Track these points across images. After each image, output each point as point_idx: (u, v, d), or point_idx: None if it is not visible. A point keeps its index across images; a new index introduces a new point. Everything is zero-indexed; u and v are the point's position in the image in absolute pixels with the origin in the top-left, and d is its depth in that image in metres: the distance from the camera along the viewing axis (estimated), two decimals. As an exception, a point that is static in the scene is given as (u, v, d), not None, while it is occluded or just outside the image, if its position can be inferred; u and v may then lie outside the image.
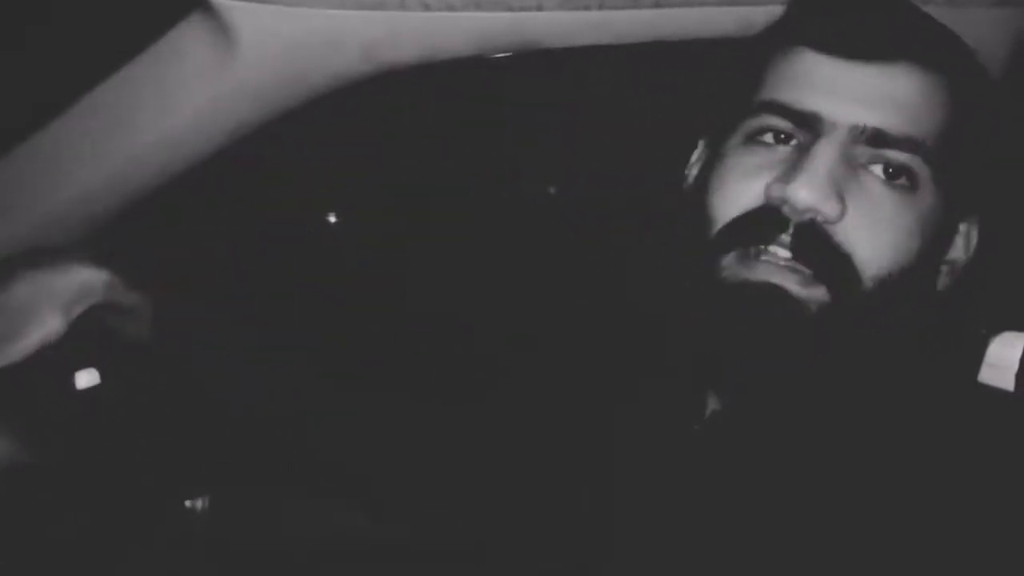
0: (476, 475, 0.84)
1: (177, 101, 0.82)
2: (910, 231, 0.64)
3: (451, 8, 0.78)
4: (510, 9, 0.79)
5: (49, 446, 0.75)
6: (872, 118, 0.64)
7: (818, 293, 0.63)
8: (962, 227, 0.70)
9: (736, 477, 0.66)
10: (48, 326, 0.69)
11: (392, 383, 0.90)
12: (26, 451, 0.73)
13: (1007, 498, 0.59)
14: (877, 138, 0.64)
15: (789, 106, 0.65)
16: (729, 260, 0.65)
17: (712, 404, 0.72)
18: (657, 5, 0.81)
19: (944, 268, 0.70)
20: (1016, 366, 0.84)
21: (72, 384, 0.76)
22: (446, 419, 0.88)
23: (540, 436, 0.81)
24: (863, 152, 0.64)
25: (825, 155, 0.63)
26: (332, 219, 1.54)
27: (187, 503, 1.07)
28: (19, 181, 0.85)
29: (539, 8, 0.79)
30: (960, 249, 0.71)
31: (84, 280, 0.70)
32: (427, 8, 0.77)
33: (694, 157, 0.76)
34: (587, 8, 0.80)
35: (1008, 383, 0.85)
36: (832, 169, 0.63)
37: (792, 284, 0.63)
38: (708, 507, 0.66)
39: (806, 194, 0.62)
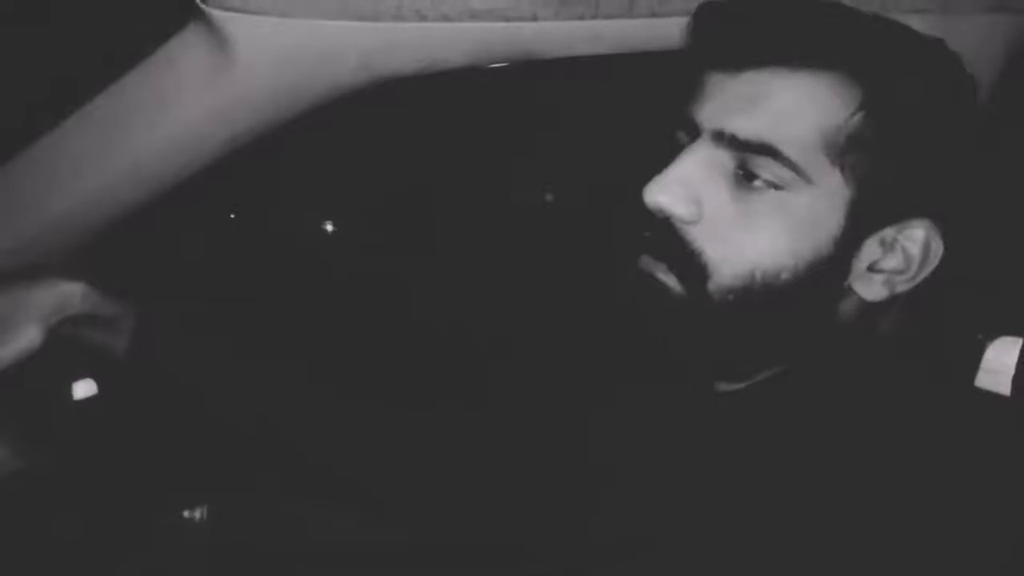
0: (475, 475, 0.84)
1: (174, 112, 0.82)
2: (774, 233, 0.65)
3: (447, 19, 0.78)
4: (506, 19, 0.79)
5: (45, 454, 0.75)
6: (730, 124, 0.66)
7: (676, 282, 0.67)
8: (887, 232, 0.67)
9: (731, 482, 0.67)
10: (25, 338, 0.69)
11: (389, 387, 0.90)
12: (22, 458, 0.73)
13: (1004, 503, 0.60)
14: (733, 142, 0.66)
15: (684, 117, 0.69)
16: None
17: (706, 409, 0.72)
18: (652, 15, 0.81)
19: (878, 276, 0.67)
20: (1013, 371, 0.85)
21: (68, 394, 0.76)
22: (445, 421, 0.88)
23: (540, 437, 0.81)
24: (727, 157, 0.66)
25: (684, 160, 0.67)
26: (328, 228, 1.54)
27: (185, 512, 1.07)
28: (16, 191, 0.85)
29: (534, 18, 0.79)
30: (903, 258, 0.67)
31: (61, 292, 0.71)
32: (423, 19, 0.77)
33: None
34: (582, 18, 0.80)
35: (1005, 388, 0.85)
36: (688, 171, 0.66)
37: (659, 272, 0.68)
38: (706, 508, 0.66)
39: (655, 196, 0.66)
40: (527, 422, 0.83)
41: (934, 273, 0.68)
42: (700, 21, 0.69)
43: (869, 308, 0.68)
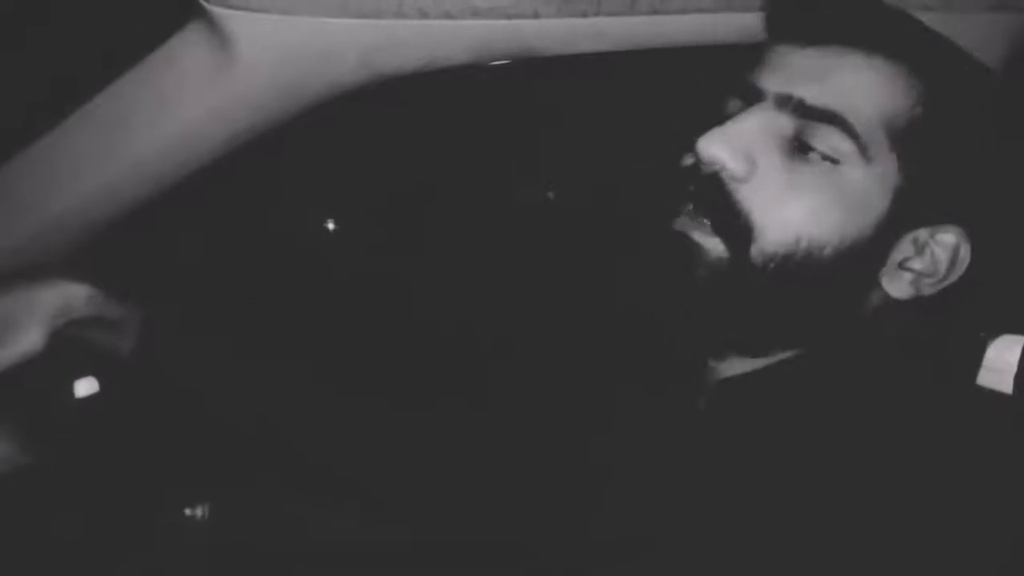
0: (475, 474, 0.84)
1: (175, 110, 0.82)
2: (824, 205, 0.66)
3: (448, 16, 0.78)
4: (507, 16, 0.79)
5: (48, 451, 0.75)
6: (797, 89, 0.67)
7: (716, 245, 0.66)
8: (921, 232, 0.68)
9: (731, 478, 0.67)
10: (28, 340, 0.69)
11: (389, 386, 0.90)
12: (26, 456, 0.73)
13: (1006, 501, 0.60)
14: (799, 108, 0.66)
15: (741, 82, 0.70)
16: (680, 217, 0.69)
17: (703, 400, 0.72)
18: (654, 12, 0.81)
19: (907, 275, 0.68)
20: (1015, 369, 0.85)
21: (70, 393, 0.76)
22: (445, 421, 0.88)
23: (541, 435, 0.81)
24: (788, 123, 0.67)
25: (744, 117, 0.67)
26: (330, 226, 1.54)
27: (187, 511, 1.07)
28: (17, 191, 0.85)
29: (536, 16, 0.79)
30: (932, 262, 0.68)
31: (66, 294, 0.71)
32: (424, 16, 0.77)
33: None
34: (584, 15, 0.80)
35: (1007, 386, 0.85)
36: (746, 129, 0.66)
37: (697, 233, 0.67)
38: (706, 505, 0.66)
39: (709, 146, 0.66)
40: (528, 421, 0.83)
41: (960, 281, 0.69)
42: (783, 4, 0.71)
43: (892, 305, 0.69)
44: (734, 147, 0.66)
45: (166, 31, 0.80)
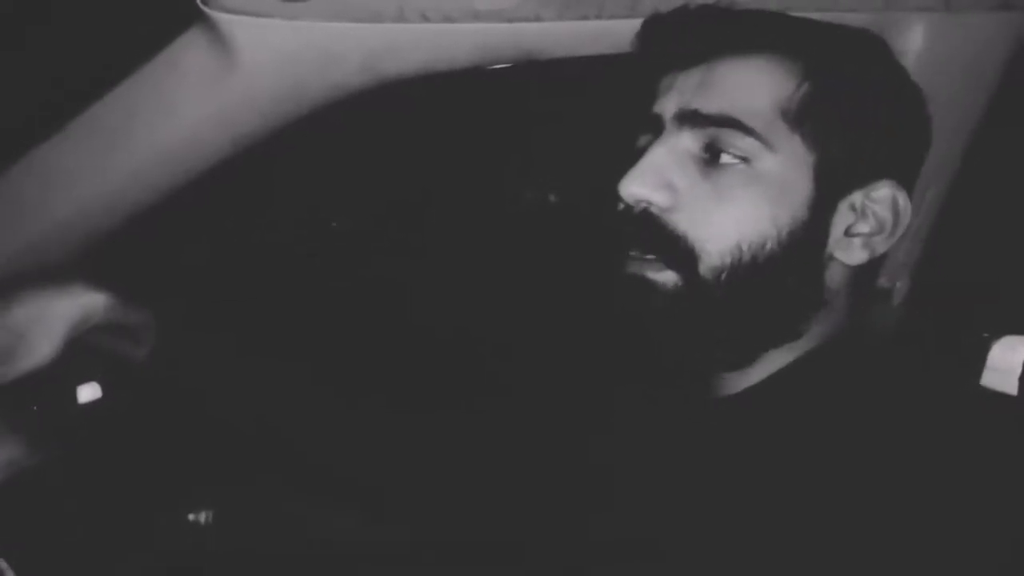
0: (475, 475, 0.84)
1: (177, 114, 0.82)
2: (750, 205, 0.68)
3: (449, 19, 0.78)
4: (509, 20, 0.79)
5: (54, 455, 0.75)
6: (691, 102, 0.70)
7: (669, 276, 0.69)
8: (855, 196, 0.70)
9: (734, 482, 0.67)
10: (47, 348, 0.69)
11: (391, 387, 0.90)
12: (32, 459, 0.72)
13: (1010, 502, 0.59)
14: (696, 119, 0.70)
15: (646, 119, 0.74)
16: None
17: (707, 405, 0.72)
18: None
19: (856, 240, 0.70)
20: (1019, 370, 0.85)
21: (74, 398, 0.76)
22: (445, 422, 0.88)
23: (540, 437, 0.81)
24: (692, 140, 0.70)
25: (654, 150, 0.71)
26: (331, 229, 1.54)
27: (191, 516, 1.07)
28: (18, 196, 0.85)
29: (537, 19, 0.79)
30: (875, 220, 0.71)
31: (85, 302, 0.70)
32: (426, 19, 0.77)
33: None
34: (585, 18, 0.80)
35: (1011, 387, 0.85)
36: (657, 160, 0.70)
37: (649, 272, 0.69)
38: (706, 509, 0.66)
39: (630, 186, 0.69)
40: (527, 422, 0.83)
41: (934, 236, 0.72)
42: (649, 33, 0.75)
43: (855, 274, 0.72)
44: (649, 181, 0.69)
45: (168, 35, 0.80)
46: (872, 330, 0.74)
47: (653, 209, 0.69)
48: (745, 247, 0.68)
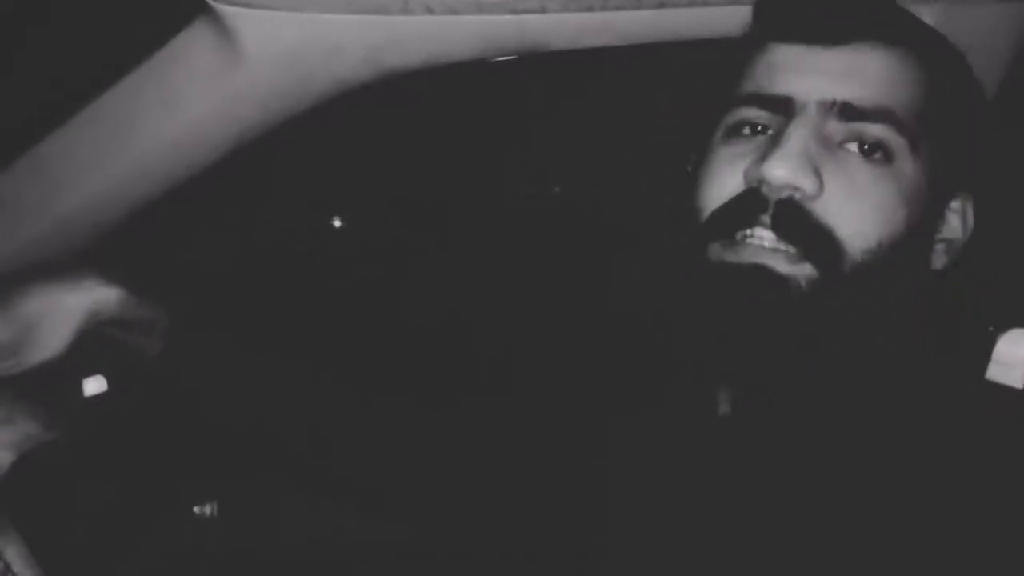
0: (476, 476, 0.84)
1: (182, 107, 0.82)
2: (892, 204, 0.65)
3: (454, 12, 0.78)
4: (513, 12, 0.78)
5: (66, 433, 0.75)
6: (840, 92, 0.66)
7: (805, 270, 0.64)
8: (954, 204, 0.71)
9: (747, 479, 0.66)
10: (57, 342, 0.69)
11: (395, 386, 0.90)
12: (44, 436, 0.73)
13: (1016, 495, 0.59)
14: (847, 111, 0.65)
15: (761, 93, 0.68)
16: (716, 248, 0.66)
17: (723, 406, 0.71)
18: (660, 5, 0.81)
19: (940, 246, 0.71)
20: (1024, 363, 0.84)
21: (79, 391, 0.76)
22: (447, 422, 0.88)
23: (544, 438, 0.81)
24: (836, 128, 0.66)
25: (798, 132, 0.65)
26: (335, 224, 1.54)
27: (195, 509, 1.07)
28: (25, 190, 0.85)
29: (542, 10, 0.79)
30: (956, 227, 0.71)
31: (97, 296, 0.70)
32: (430, 12, 0.77)
33: (693, 155, 0.77)
34: (590, 9, 0.80)
35: (1016, 380, 0.85)
36: (805, 145, 0.64)
37: (778, 263, 0.64)
38: (716, 511, 0.66)
39: (781, 170, 0.64)
40: (528, 423, 0.83)
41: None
42: (783, 2, 0.69)
43: (935, 278, 0.71)
44: (801, 166, 0.64)
45: (172, 29, 0.80)
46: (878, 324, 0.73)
47: (798, 196, 0.64)
48: (883, 246, 0.65)
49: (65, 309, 0.69)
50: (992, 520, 0.59)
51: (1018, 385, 0.85)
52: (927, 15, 0.84)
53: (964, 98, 0.71)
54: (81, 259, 0.86)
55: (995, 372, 0.88)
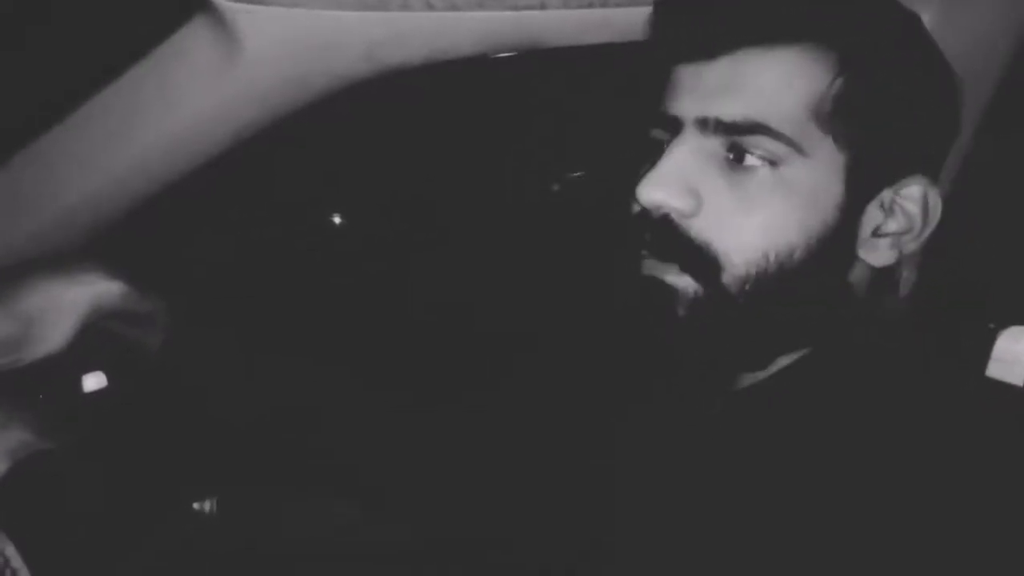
0: (477, 473, 0.84)
1: (181, 104, 0.82)
2: (781, 212, 0.65)
3: (454, 8, 0.78)
4: (514, 8, 0.78)
5: (63, 439, 0.75)
6: (711, 109, 0.65)
7: (689, 283, 0.66)
8: (885, 194, 0.67)
9: (740, 475, 0.66)
10: (58, 336, 0.69)
11: (396, 382, 0.90)
12: (39, 443, 0.73)
13: (1016, 494, 0.59)
14: (719, 127, 0.65)
15: (660, 113, 0.69)
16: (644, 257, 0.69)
17: (716, 405, 0.72)
18: (661, 2, 0.81)
19: (884, 241, 0.68)
20: (1024, 360, 0.84)
21: (79, 387, 0.76)
22: (449, 418, 0.88)
23: (542, 435, 0.81)
24: (716, 143, 0.66)
25: (673, 153, 0.66)
26: (335, 221, 1.54)
27: (195, 505, 1.07)
28: (23, 186, 0.85)
29: (542, 7, 0.79)
30: (901, 219, 0.68)
31: (99, 290, 0.70)
32: (430, 8, 0.77)
33: None
34: (591, 6, 0.80)
35: (1016, 378, 0.85)
36: (679, 165, 0.65)
37: (668, 275, 0.66)
38: (710, 507, 0.66)
39: (649, 193, 0.65)
40: (531, 419, 0.83)
41: (939, 229, 0.68)
42: (665, 17, 0.70)
43: (879, 273, 0.69)
44: (672, 186, 0.65)
45: (172, 25, 0.80)
46: (878, 321, 0.73)
47: (674, 215, 0.66)
48: (772, 256, 0.65)
49: (67, 303, 0.69)
50: (992, 519, 0.58)
51: (1018, 382, 0.85)
52: (927, 15, 0.84)
53: (902, 82, 0.66)
54: (82, 252, 0.86)
55: (995, 369, 0.88)
